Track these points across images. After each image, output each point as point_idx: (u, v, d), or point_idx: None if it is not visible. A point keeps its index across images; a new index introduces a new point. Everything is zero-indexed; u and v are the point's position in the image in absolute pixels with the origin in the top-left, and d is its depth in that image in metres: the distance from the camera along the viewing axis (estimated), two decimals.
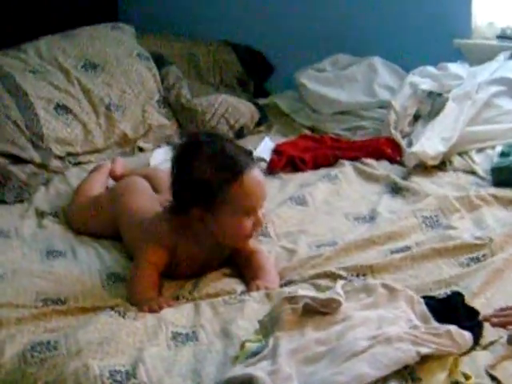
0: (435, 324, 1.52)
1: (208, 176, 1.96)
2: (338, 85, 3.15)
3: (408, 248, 2.09)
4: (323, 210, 2.41)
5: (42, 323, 1.81)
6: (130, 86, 3.00)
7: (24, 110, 2.74)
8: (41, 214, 2.45)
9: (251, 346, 1.54)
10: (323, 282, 1.92)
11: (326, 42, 3.34)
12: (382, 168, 2.68)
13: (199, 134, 2.14)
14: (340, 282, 1.62)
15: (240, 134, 3.07)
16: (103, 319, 1.78)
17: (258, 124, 3.15)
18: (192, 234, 2.05)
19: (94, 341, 1.69)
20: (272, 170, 2.73)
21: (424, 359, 1.45)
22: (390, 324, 1.48)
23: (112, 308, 1.86)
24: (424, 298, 1.68)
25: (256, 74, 3.52)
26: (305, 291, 1.58)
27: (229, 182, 1.97)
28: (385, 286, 1.61)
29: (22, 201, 2.56)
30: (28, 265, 2.12)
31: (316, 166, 2.75)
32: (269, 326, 1.52)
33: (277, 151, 2.84)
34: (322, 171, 2.68)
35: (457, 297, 1.70)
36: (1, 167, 2.59)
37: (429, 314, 1.55)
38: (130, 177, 2.44)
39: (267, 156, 2.80)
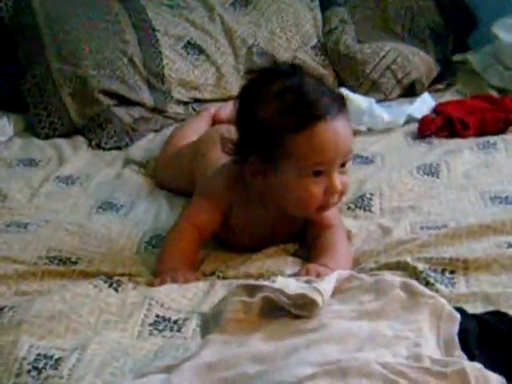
0: (462, 356, 0.96)
1: (271, 116, 1.50)
2: None
3: None
4: (456, 184, 1.85)
5: (22, 285, 1.47)
6: (282, 27, 2.56)
7: (146, 46, 2.39)
8: (127, 163, 2.12)
9: None
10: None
11: None
12: None
13: (278, 63, 1.66)
14: (336, 274, 1.08)
15: (411, 91, 2.53)
16: (79, 289, 1.40)
17: (438, 81, 2.60)
18: (253, 195, 1.60)
19: (44, 314, 1.30)
20: (422, 131, 2.18)
21: None
22: (378, 346, 0.94)
23: (110, 277, 1.48)
24: (488, 313, 1.12)
25: (457, 26, 2.92)
26: (282, 281, 1.07)
27: (295, 129, 1.49)
28: (407, 286, 1.05)
29: (120, 147, 2.24)
30: (67, 216, 1.79)
31: (481, 133, 2.17)
32: (210, 324, 1.04)
33: (436, 111, 2.29)
34: (483, 138, 2.11)
35: None
36: (103, 108, 2.28)
37: (456, 340, 0.98)
38: (222, 125, 2.02)
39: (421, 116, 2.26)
